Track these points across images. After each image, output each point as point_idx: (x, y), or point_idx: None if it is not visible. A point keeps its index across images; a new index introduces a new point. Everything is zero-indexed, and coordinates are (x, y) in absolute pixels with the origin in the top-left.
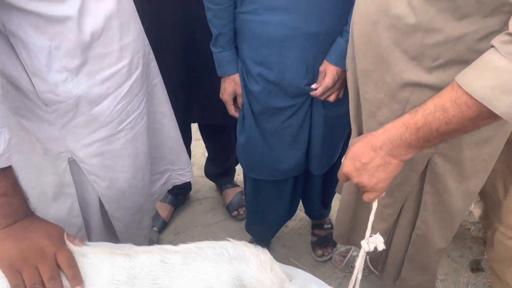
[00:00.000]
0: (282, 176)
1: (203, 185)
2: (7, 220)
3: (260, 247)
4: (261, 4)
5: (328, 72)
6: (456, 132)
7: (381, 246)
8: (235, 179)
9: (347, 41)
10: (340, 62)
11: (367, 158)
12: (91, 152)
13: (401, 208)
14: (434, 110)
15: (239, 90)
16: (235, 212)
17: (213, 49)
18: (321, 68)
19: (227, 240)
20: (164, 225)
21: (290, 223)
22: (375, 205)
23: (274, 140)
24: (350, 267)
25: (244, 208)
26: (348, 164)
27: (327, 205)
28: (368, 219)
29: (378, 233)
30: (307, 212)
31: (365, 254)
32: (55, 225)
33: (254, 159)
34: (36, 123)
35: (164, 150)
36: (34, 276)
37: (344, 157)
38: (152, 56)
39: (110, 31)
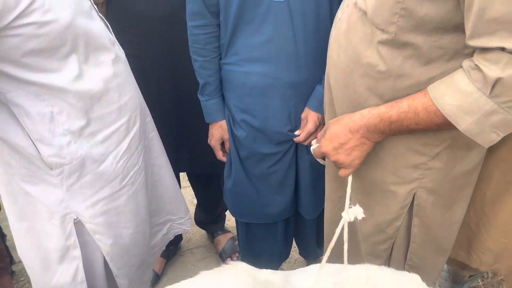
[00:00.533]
0: (270, 220)
1: (193, 233)
2: None
3: None
4: (243, 56)
5: (310, 118)
6: (423, 131)
7: (360, 216)
8: (226, 224)
9: None
10: (320, 108)
11: (345, 139)
12: (96, 211)
13: (393, 243)
14: (407, 110)
15: (226, 136)
16: (228, 260)
17: (200, 98)
18: (303, 115)
19: None
20: (157, 279)
21: (285, 265)
22: (350, 179)
23: (261, 184)
24: None
25: (237, 255)
26: (326, 144)
27: (320, 244)
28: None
29: (357, 204)
30: (301, 252)
31: (346, 223)
32: None
33: (242, 203)
34: (41, 187)
35: (163, 201)
36: None
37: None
38: (147, 111)
39: (109, 94)
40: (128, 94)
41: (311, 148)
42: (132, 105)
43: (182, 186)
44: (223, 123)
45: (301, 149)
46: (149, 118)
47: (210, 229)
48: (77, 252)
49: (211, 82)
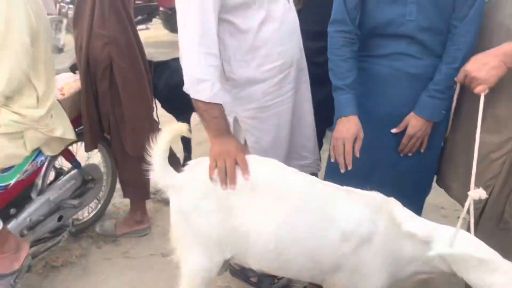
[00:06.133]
0: None
1: None
2: (216, 133)
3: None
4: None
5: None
6: None
7: (484, 196)
8: None
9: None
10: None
11: (487, 60)
12: (248, 115)
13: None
14: None
15: (361, 134)
16: None
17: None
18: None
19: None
20: None
21: None
22: (475, 158)
23: None
24: None
25: None
26: (471, 64)
27: None
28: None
29: (480, 187)
30: None
31: (472, 201)
32: (239, 142)
33: None
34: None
35: (303, 137)
36: (222, 164)
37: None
38: (304, 65)
39: (273, 40)
40: (289, 44)
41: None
42: (289, 53)
43: None
44: (358, 121)
45: None
46: (305, 71)
47: None
48: None
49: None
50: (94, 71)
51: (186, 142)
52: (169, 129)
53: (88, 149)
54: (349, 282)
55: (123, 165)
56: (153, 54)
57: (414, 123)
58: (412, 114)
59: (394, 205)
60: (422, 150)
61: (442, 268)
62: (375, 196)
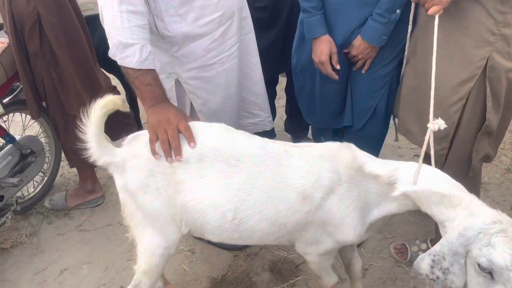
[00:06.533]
0: None
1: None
2: (152, 102)
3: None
4: None
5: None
6: None
7: (443, 126)
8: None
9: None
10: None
11: None
12: (191, 75)
13: (465, 107)
14: None
15: (335, 49)
16: None
17: (302, 15)
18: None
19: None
20: None
21: None
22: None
23: None
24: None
25: None
26: None
27: None
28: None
29: (439, 118)
30: None
31: (432, 133)
32: (179, 108)
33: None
34: (158, 51)
35: (253, 94)
36: (163, 135)
37: None
38: (246, 14)
39: None
40: None
41: None
42: (229, 3)
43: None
44: (330, 38)
45: None
46: (248, 20)
47: (296, 136)
48: (175, 104)
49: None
50: (21, 29)
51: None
52: (101, 103)
53: (35, 116)
54: (323, 235)
55: (65, 132)
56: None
57: (357, 45)
58: (358, 36)
59: (352, 149)
60: (363, 71)
61: (408, 206)
62: (330, 146)
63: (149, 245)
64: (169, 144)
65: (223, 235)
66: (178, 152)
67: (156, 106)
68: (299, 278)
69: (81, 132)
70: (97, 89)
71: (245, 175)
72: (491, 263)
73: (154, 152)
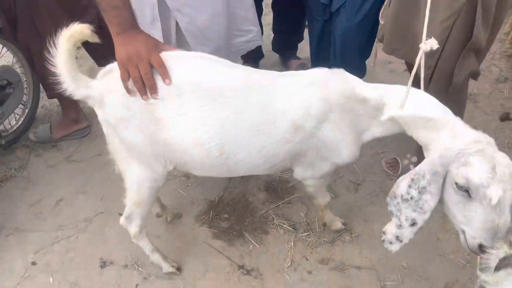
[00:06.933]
0: None
1: (268, 59)
2: (118, 28)
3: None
4: None
5: None
6: None
7: (435, 47)
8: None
9: None
10: None
11: None
12: None
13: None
14: None
15: None
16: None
17: None
18: None
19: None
20: None
21: None
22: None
23: None
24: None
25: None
26: None
27: None
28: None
29: (432, 37)
30: None
31: (423, 54)
32: (151, 37)
33: None
34: None
35: (242, 8)
36: (135, 72)
37: None
38: None
39: None
40: None
41: None
42: None
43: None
44: None
45: None
46: None
47: (284, 55)
48: (158, 24)
49: None
50: None
51: None
52: (66, 35)
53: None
54: (318, 160)
55: (39, 61)
56: None
57: None
58: None
59: (343, 75)
60: None
61: (396, 130)
62: (319, 73)
63: (136, 179)
64: (143, 82)
65: (210, 171)
66: (153, 90)
67: (123, 34)
68: (294, 196)
69: (52, 65)
70: (78, 9)
71: (230, 110)
72: (468, 181)
73: (128, 91)
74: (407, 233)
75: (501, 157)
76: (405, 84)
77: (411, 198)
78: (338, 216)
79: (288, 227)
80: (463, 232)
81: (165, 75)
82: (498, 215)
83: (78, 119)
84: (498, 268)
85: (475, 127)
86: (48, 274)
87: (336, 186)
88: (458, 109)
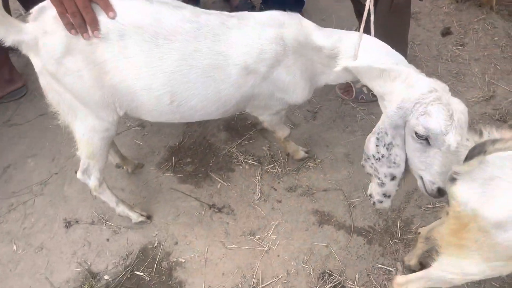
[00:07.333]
0: None
1: None
2: None
3: (295, 14)
4: None
5: None
6: None
7: None
8: None
9: None
10: None
11: None
12: None
13: None
14: None
15: None
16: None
17: None
18: None
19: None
20: None
21: None
22: None
23: None
24: (360, 98)
25: None
26: None
27: None
28: None
29: None
30: None
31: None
32: None
33: None
34: None
35: None
36: (72, 6)
37: None
38: None
39: None
40: None
41: None
42: None
43: None
44: None
45: None
46: None
47: None
48: None
49: None
50: None
51: None
52: None
53: None
54: (271, 101)
55: None
56: None
57: None
58: None
59: (298, 19)
60: None
61: (350, 77)
62: (273, 15)
63: (85, 130)
64: (82, 17)
65: (162, 117)
66: (95, 26)
67: None
68: (254, 130)
69: None
70: None
71: (178, 55)
72: (427, 130)
73: (69, 28)
74: (391, 187)
75: (456, 103)
76: (349, 10)
77: (382, 156)
78: (300, 145)
79: (253, 162)
80: (421, 178)
81: (108, 7)
82: (455, 160)
83: (12, 79)
84: (469, 157)
85: (419, 45)
86: (10, 242)
87: (294, 116)
88: (403, 29)
